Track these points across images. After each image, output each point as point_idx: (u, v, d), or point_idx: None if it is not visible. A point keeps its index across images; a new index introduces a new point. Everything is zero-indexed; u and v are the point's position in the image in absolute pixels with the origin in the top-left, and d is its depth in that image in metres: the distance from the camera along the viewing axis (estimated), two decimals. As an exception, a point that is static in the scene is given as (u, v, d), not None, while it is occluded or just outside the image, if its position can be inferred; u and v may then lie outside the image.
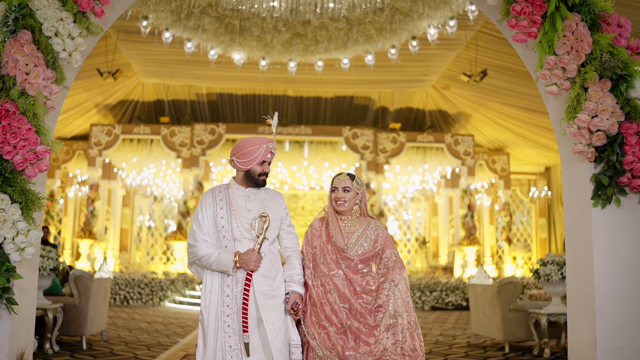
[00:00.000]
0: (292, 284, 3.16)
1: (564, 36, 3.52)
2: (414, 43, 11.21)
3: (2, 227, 3.22)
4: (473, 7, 9.73)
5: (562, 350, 6.48)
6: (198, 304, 11.57)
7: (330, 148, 16.03)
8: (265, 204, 3.23)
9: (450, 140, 15.55)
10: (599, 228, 3.59)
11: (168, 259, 16.14)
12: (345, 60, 12.27)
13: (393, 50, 11.77)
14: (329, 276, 3.18)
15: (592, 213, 3.59)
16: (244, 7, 10.49)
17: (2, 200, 3.24)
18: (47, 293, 6.85)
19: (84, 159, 15.56)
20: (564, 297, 6.35)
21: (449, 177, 15.91)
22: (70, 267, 8.69)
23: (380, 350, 3.03)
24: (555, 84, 3.62)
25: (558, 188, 16.92)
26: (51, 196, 15.25)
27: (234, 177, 3.32)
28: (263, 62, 12.47)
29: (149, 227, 16.83)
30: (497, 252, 16.58)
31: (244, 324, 3.00)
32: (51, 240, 13.21)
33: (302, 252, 3.31)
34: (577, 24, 3.53)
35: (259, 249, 3.08)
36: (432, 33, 10.72)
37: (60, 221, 16.04)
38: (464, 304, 12.74)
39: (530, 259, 16.61)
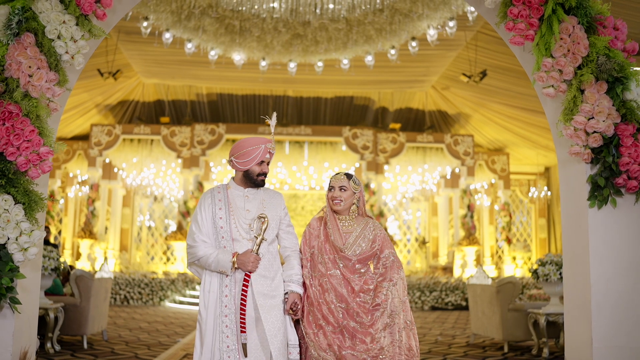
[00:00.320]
0: (291, 284, 3.17)
1: (561, 39, 3.56)
2: (414, 44, 11.24)
3: (5, 227, 3.26)
4: (472, 8, 9.76)
5: (561, 350, 6.50)
6: (198, 304, 11.57)
7: (330, 148, 16.07)
8: (264, 204, 3.23)
9: (450, 141, 15.58)
10: (595, 229, 3.62)
11: (168, 259, 16.18)
12: (345, 61, 12.31)
13: (393, 51, 11.80)
14: (326, 276, 3.20)
15: (588, 214, 3.63)
16: (244, 8, 10.53)
17: (5, 200, 3.28)
18: (48, 293, 6.87)
19: (84, 159, 15.59)
20: (562, 297, 6.36)
21: (448, 177, 15.94)
22: (71, 267, 8.72)
23: (377, 348, 3.05)
24: (552, 86, 3.66)
25: (558, 188, 16.93)
26: (51, 196, 15.27)
27: (233, 178, 3.32)
28: (263, 63, 12.51)
29: (149, 227, 16.87)
30: (497, 252, 16.61)
31: (242, 325, 3.00)
32: (52, 240, 13.23)
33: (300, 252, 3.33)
34: (573, 26, 3.57)
35: (257, 249, 3.08)
36: (432, 34, 10.75)
37: (60, 221, 16.08)
38: (464, 303, 12.77)
39: (529, 259, 16.64)
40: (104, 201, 15.38)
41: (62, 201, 15.99)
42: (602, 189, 3.58)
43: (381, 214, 15.16)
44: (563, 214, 3.97)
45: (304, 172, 16.45)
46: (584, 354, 3.63)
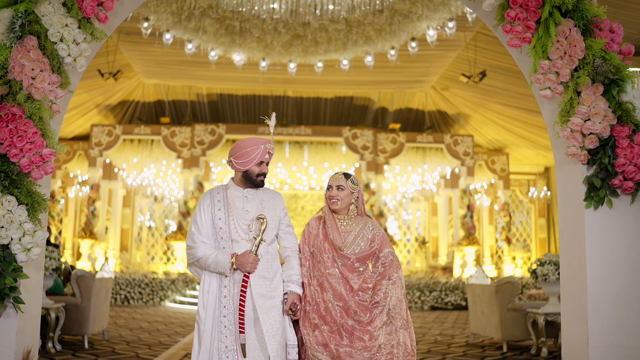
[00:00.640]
0: (291, 284, 3.18)
1: (558, 41, 3.60)
2: (413, 44, 11.28)
3: (9, 228, 3.30)
4: (471, 9, 9.79)
5: (559, 349, 6.52)
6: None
7: (330, 148, 16.10)
8: (264, 204, 3.24)
9: (449, 141, 15.61)
10: (591, 229, 3.67)
11: (168, 259, 16.21)
12: (345, 61, 12.35)
13: (392, 52, 11.84)
14: (325, 274, 3.22)
15: (585, 214, 3.67)
16: (244, 9, 10.57)
17: (9, 201, 3.31)
18: (50, 293, 6.90)
19: (85, 159, 15.62)
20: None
21: (448, 177, 15.97)
22: (72, 267, 8.75)
23: (375, 346, 3.08)
24: (549, 88, 3.69)
25: (557, 188, 16.94)
26: (52, 196, 15.27)
27: (232, 178, 3.33)
28: (263, 63, 12.55)
29: (150, 227, 16.90)
30: (497, 252, 16.64)
31: (241, 325, 3.01)
32: (52, 240, 13.26)
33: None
34: (570, 29, 3.61)
35: (256, 250, 3.09)
36: (431, 34, 10.78)
37: (61, 221, 16.11)
38: (463, 303, 12.80)
39: (529, 259, 16.66)
40: (104, 201, 15.41)
41: (62, 201, 16.02)
42: (598, 190, 3.62)
43: (381, 214, 15.19)
44: (560, 215, 4.01)
45: (304, 173, 16.48)
46: (580, 353, 3.67)
